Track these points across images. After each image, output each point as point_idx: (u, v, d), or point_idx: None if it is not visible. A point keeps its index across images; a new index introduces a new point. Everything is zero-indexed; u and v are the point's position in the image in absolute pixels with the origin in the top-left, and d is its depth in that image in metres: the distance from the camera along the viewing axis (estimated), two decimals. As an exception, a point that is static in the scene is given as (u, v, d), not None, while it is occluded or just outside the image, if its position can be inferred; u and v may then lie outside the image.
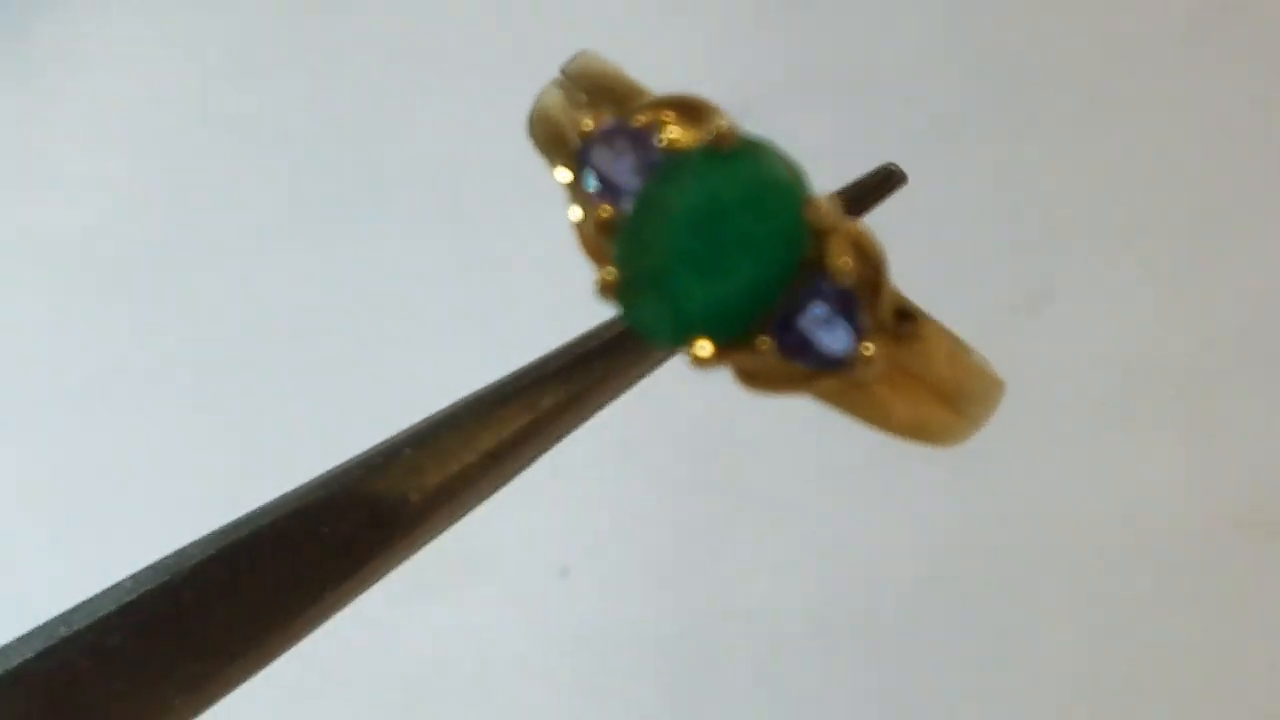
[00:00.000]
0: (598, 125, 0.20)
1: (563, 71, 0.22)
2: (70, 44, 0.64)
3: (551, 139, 0.21)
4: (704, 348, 0.19)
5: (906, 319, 0.20)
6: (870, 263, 0.19)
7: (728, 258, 0.19)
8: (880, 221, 0.52)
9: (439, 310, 0.57)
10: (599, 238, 0.20)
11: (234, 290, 0.58)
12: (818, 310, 0.19)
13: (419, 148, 0.59)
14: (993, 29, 0.56)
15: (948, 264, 0.53)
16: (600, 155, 0.20)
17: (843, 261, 0.19)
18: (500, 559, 0.53)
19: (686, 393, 0.53)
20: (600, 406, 0.23)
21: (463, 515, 0.23)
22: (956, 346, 0.21)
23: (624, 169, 0.20)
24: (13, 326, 0.60)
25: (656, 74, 0.60)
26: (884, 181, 0.22)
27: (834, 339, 0.19)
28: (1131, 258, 0.52)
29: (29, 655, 0.20)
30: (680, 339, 0.19)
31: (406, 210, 0.58)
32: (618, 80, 0.21)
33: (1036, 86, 0.55)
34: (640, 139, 0.20)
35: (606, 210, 0.20)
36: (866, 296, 0.19)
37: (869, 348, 0.19)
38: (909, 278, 0.53)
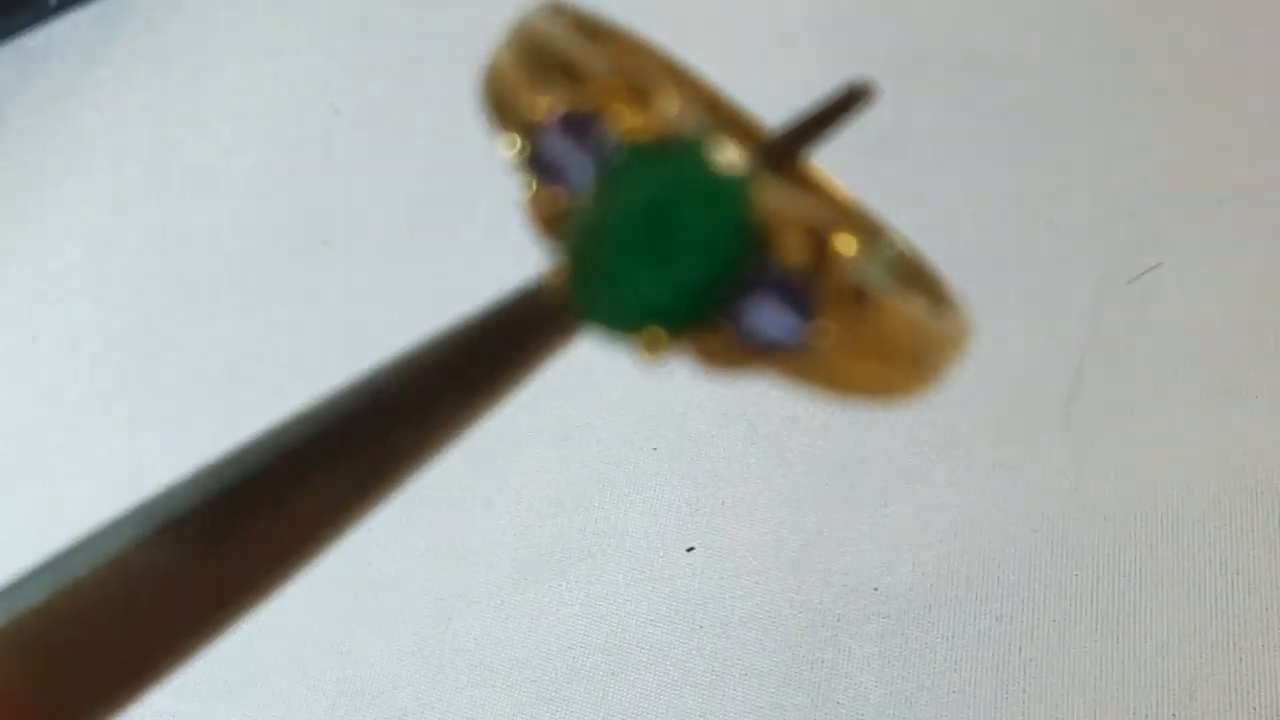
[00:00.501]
0: (550, 109, 0.20)
1: (518, 32, 0.22)
2: (203, 41, 0.66)
3: (501, 105, 0.21)
4: (656, 336, 0.19)
5: (862, 299, 0.20)
6: (815, 247, 0.19)
7: (678, 249, 0.19)
8: (997, 193, 0.52)
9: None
10: (550, 220, 0.20)
11: (364, 286, 0.59)
12: (767, 295, 0.19)
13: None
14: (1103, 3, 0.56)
15: (1062, 233, 0.53)
16: (551, 141, 0.20)
17: (791, 250, 0.19)
18: (627, 538, 0.54)
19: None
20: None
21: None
22: (912, 311, 0.21)
23: (575, 156, 0.20)
24: (148, 318, 0.62)
25: (762, 57, 0.60)
26: (850, 99, 0.22)
27: (782, 324, 0.20)
28: (1240, 226, 0.52)
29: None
30: (633, 328, 0.20)
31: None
32: (570, 54, 0.21)
33: (1147, 55, 0.54)
34: (591, 126, 0.20)
35: (558, 197, 0.20)
36: (814, 279, 0.19)
37: (820, 326, 0.19)
38: (1030, 244, 0.53)
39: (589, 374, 0.56)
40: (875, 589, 0.51)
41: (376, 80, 0.62)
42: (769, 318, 0.20)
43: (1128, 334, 0.50)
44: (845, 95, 0.22)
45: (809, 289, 0.19)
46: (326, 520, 0.20)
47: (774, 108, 0.54)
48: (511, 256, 0.58)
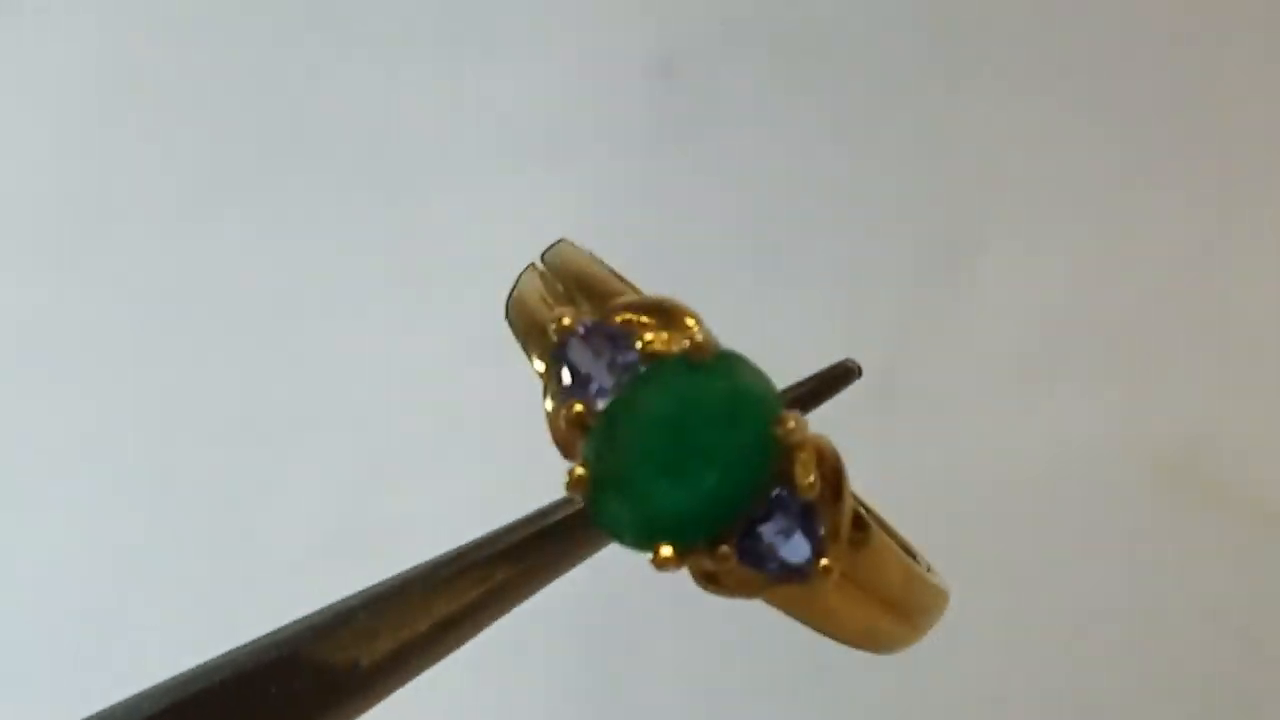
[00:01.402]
0: (575, 321, 0.20)
1: (542, 259, 0.23)
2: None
3: (529, 327, 0.22)
4: (667, 552, 0.20)
5: (860, 527, 0.21)
6: (831, 477, 0.20)
7: (696, 465, 0.20)
8: (814, 178, 0.51)
9: (363, 275, 0.56)
10: (570, 431, 0.20)
11: (156, 257, 0.57)
12: (780, 522, 0.20)
13: (344, 113, 0.57)
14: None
15: (877, 219, 0.53)
16: (577, 352, 0.20)
17: (808, 478, 0.20)
18: (425, 524, 0.52)
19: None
20: (553, 579, 0.24)
21: (412, 679, 0.23)
22: (906, 558, 0.22)
23: (600, 368, 0.20)
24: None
25: (581, 25, 0.59)
26: (841, 376, 0.23)
27: (793, 550, 0.20)
28: (1056, 213, 0.53)
29: None
30: (644, 541, 0.20)
31: (331, 176, 0.57)
32: (596, 274, 0.22)
33: (965, 41, 0.55)
34: (617, 340, 0.20)
35: (580, 406, 0.20)
36: (826, 509, 0.20)
37: (827, 560, 0.20)
38: (840, 235, 0.52)
39: (386, 356, 0.55)
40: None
41: (170, 50, 0.60)
42: (777, 544, 0.20)
43: (943, 320, 0.50)
44: (838, 373, 0.23)
45: (820, 517, 0.20)
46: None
47: (587, 77, 0.54)
48: (309, 228, 0.57)
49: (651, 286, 0.22)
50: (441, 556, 0.23)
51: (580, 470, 0.20)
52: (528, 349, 0.22)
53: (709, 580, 0.20)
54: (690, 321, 0.20)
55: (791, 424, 0.20)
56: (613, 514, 0.20)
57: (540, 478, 0.50)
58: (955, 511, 0.49)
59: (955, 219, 0.53)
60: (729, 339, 0.21)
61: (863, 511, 0.21)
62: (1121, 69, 0.54)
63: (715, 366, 0.20)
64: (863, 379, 0.23)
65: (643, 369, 0.20)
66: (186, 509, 0.53)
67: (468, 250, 0.54)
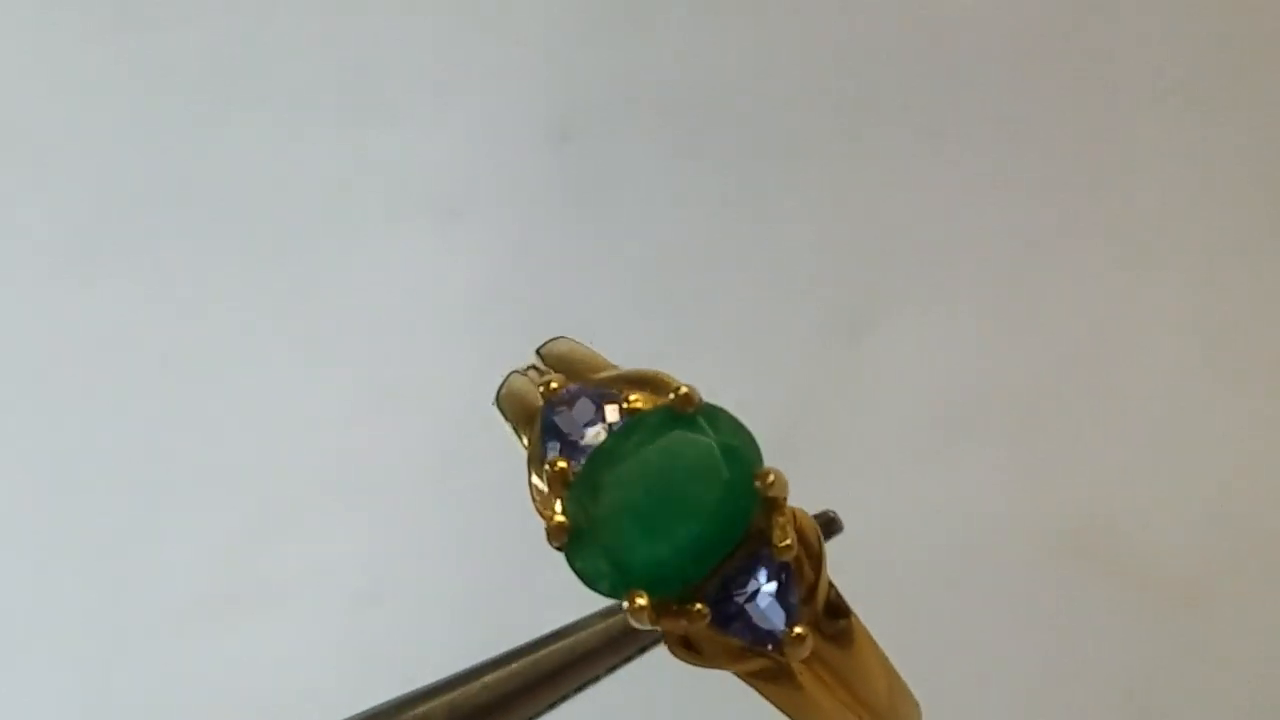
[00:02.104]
0: (563, 386, 0.21)
1: (538, 353, 0.23)
2: None
3: (519, 414, 0.22)
4: (641, 601, 0.19)
5: (840, 615, 0.21)
6: (808, 545, 0.20)
7: (675, 516, 0.20)
8: (715, 243, 0.50)
9: (251, 331, 0.54)
10: (553, 488, 0.20)
11: (43, 310, 0.56)
12: (756, 582, 0.20)
13: (240, 169, 0.56)
14: (827, 51, 0.56)
15: (777, 285, 0.52)
16: (563, 415, 0.21)
17: (786, 540, 0.20)
18: (302, 582, 0.51)
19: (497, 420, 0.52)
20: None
21: None
22: (889, 663, 0.22)
23: (584, 426, 0.21)
24: None
25: (477, 92, 0.58)
26: (825, 528, 0.23)
27: (768, 612, 0.20)
28: (959, 282, 0.52)
29: None
30: (619, 591, 0.20)
31: (224, 233, 0.56)
32: (583, 353, 0.23)
33: (865, 110, 0.55)
34: (602, 401, 0.21)
35: (563, 463, 0.20)
36: (803, 579, 0.20)
37: (799, 628, 0.20)
38: (742, 299, 0.52)
39: (267, 408, 0.53)
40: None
41: (61, 101, 0.59)
42: (752, 605, 0.20)
43: (845, 386, 0.49)
44: (822, 524, 0.22)
45: (796, 582, 0.20)
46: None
47: (486, 140, 0.53)
48: (200, 281, 0.56)
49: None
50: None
51: (560, 518, 0.20)
52: (518, 431, 0.22)
53: (684, 648, 0.20)
54: (674, 384, 0.21)
55: (771, 478, 0.20)
56: (590, 562, 0.20)
57: (422, 540, 0.50)
58: (854, 579, 0.48)
59: (858, 285, 0.52)
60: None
61: (845, 603, 0.21)
62: (1025, 138, 0.54)
63: (697, 420, 0.20)
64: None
65: (627, 423, 0.21)
66: (64, 561, 0.52)
67: (359, 309, 0.54)
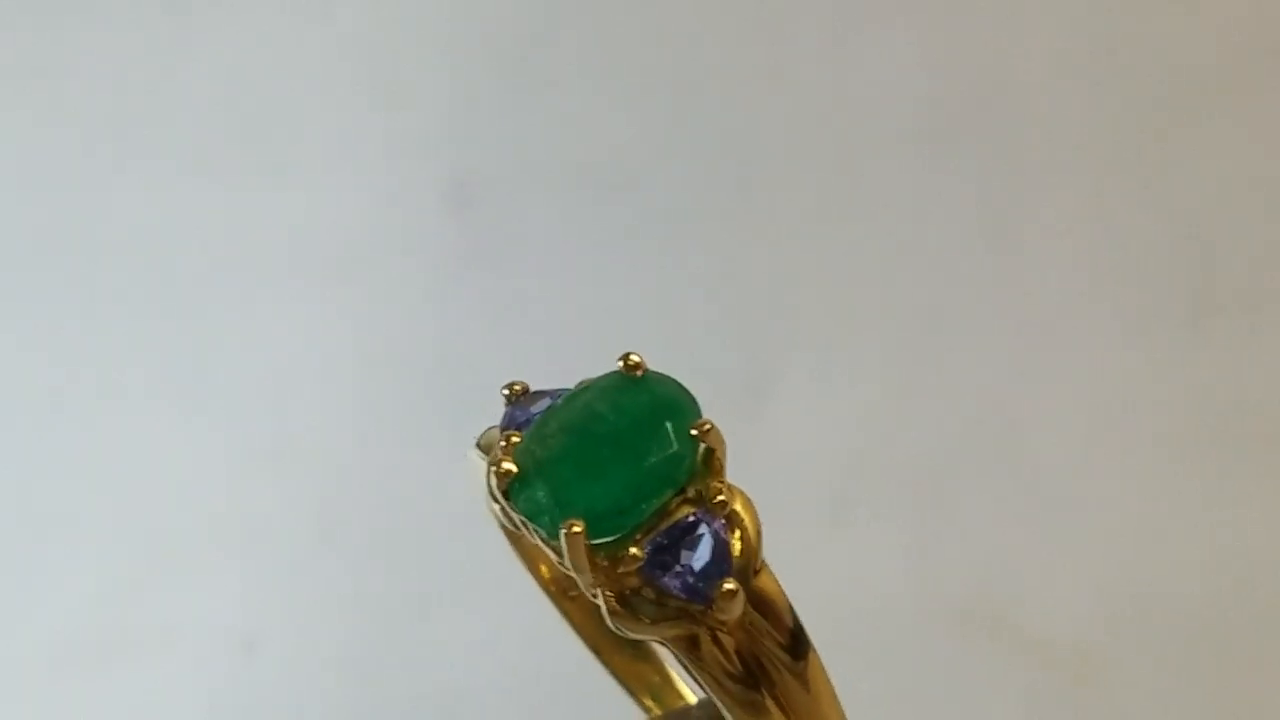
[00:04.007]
0: (524, 386, 0.22)
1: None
2: None
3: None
4: (578, 527, 0.20)
5: (801, 644, 0.22)
6: (747, 515, 0.21)
7: (615, 461, 0.21)
8: (608, 307, 0.50)
9: (136, 382, 0.53)
10: (505, 459, 0.21)
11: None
12: (691, 536, 0.21)
13: (128, 222, 0.55)
14: (720, 118, 0.56)
15: (671, 353, 0.52)
16: (520, 405, 0.22)
17: (722, 494, 0.21)
18: (180, 630, 0.50)
19: (384, 465, 0.51)
20: None
21: None
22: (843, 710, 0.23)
23: (540, 408, 0.22)
24: None
25: (375, 153, 0.58)
26: None
27: (698, 564, 0.21)
28: (855, 350, 0.52)
29: None
30: (557, 523, 0.20)
31: (111, 283, 0.55)
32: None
33: (760, 177, 0.55)
34: (560, 393, 0.22)
35: (517, 436, 0.21)
36: (737, 534, 0.21)
37: (730, 582, 0.21)
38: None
39: (149, 457, 0.52)
40: (449, 695, 0.48)
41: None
42: (685, 551, 0.21)
43: (736, 454, 0.49)
44: None
45: (729, 536, 0.21)
46: None
47: (382, 200, 0.53)
48: (88, 333, 0.55)
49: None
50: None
51: (509, 465, 0.21)
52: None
53: (620, 604, 0.21)
54: (627, 354, 0.22)
55: (708, 427, 0.21)
56: (532, 500, 0.21)
57: (301, 591, 0.49)
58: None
59: (750, 352, 0.52)
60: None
61: (807, 635, 0.22)
62: (927, 207, 0.55)
63: (644, 380, 0.22)
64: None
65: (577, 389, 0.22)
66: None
67: (247, 364, 0.53)
